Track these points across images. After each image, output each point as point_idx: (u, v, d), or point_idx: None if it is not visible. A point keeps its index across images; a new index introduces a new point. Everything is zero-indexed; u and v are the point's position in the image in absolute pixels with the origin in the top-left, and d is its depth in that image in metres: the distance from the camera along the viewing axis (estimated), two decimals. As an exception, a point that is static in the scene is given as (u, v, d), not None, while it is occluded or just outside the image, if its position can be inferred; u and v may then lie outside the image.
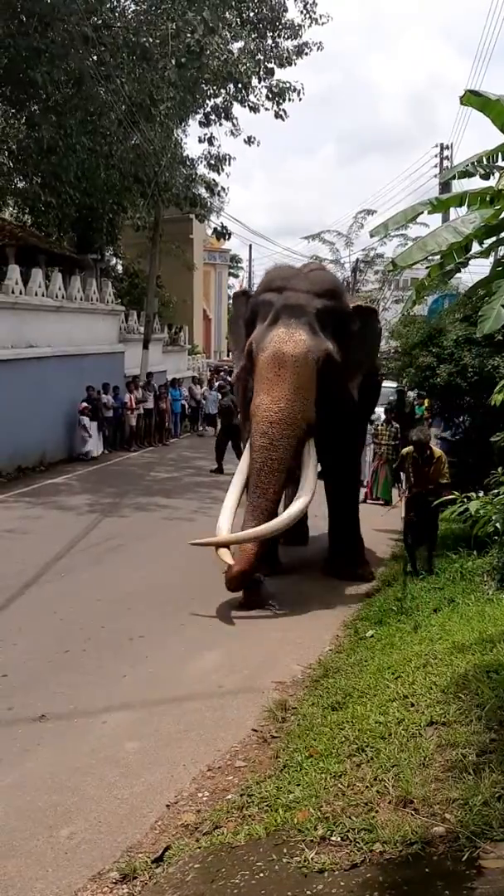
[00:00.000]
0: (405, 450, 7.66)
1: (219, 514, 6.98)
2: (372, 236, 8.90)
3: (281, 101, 18.22)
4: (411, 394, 12.73)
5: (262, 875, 2.81)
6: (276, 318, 7.08)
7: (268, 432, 6.81)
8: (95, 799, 3.65)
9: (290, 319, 7.01)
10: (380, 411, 12.78)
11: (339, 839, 2.90)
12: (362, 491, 11.11)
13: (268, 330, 7.10)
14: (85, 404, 14.82)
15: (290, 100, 18.27)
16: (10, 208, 19.40)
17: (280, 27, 17.92)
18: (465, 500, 3.82)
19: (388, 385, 14.40)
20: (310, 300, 7.12)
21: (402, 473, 8.00)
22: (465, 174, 4.11)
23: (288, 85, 18.17)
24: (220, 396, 15.87)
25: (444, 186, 14.91)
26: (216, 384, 19.75)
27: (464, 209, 4.10)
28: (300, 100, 18.27)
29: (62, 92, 15.55)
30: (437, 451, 7.47)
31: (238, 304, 8.48)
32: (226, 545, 6.68)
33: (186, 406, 20.36)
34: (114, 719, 4.49)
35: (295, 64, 18.12)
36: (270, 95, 18.22)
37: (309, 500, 7.00)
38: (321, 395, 7.00)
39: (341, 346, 7.18)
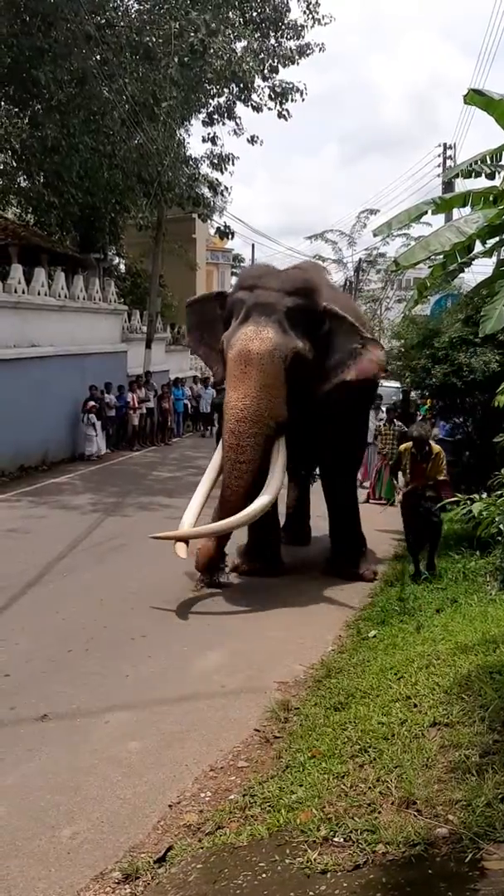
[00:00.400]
0: (403, 445, 7.65)
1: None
2: (375, 236, 8.88)
3: (284, 100, 18.29)
4: (414, 394, 12.74)
5: (264, 876, 2.80)
6: (247, 317, 7.10)
7: (235, 430, 6.85)
8: (98, 799, 3.65)
9: (260, 317, 7.01)
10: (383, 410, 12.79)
11: (341, 840, 2.90)
12: (365, 491, 11.12)
13: (237, 328, 7.12)
14: (92, 403, 14.83)
15: (292, 100, 18.37)
16: (14, 207, 19.42)
17: (283, 27, 17.95)
18: (469, 501, 3.82)
19: (392, 385, 14.42)
20: (280, 298, 7.09)
21: (398, 471, 7.93)
22: (469, 173, 4.11)
23: (291, 85, 18.23)
24: (214, 393, 15.85)
25: (447, 186, 14.91)
26: (211, 381, 19.76)
27: (467, 209, 4.10)
28: (303, 100, 18.37)
29: (65, 91, 15.59)
30: (436, 447, 7.46)
31: (211, 305, 8.35)
32: (184, 539, 6.84)
33: (189, 405, 20.36)
34: (116, 719, 4.48)
35: (297, 64, 18.19)
36: (273, 95, 18.27)
37: (271, 498, 6.99)
38: (293, 393, 6.96)
39: (315, 345, 7.09)
